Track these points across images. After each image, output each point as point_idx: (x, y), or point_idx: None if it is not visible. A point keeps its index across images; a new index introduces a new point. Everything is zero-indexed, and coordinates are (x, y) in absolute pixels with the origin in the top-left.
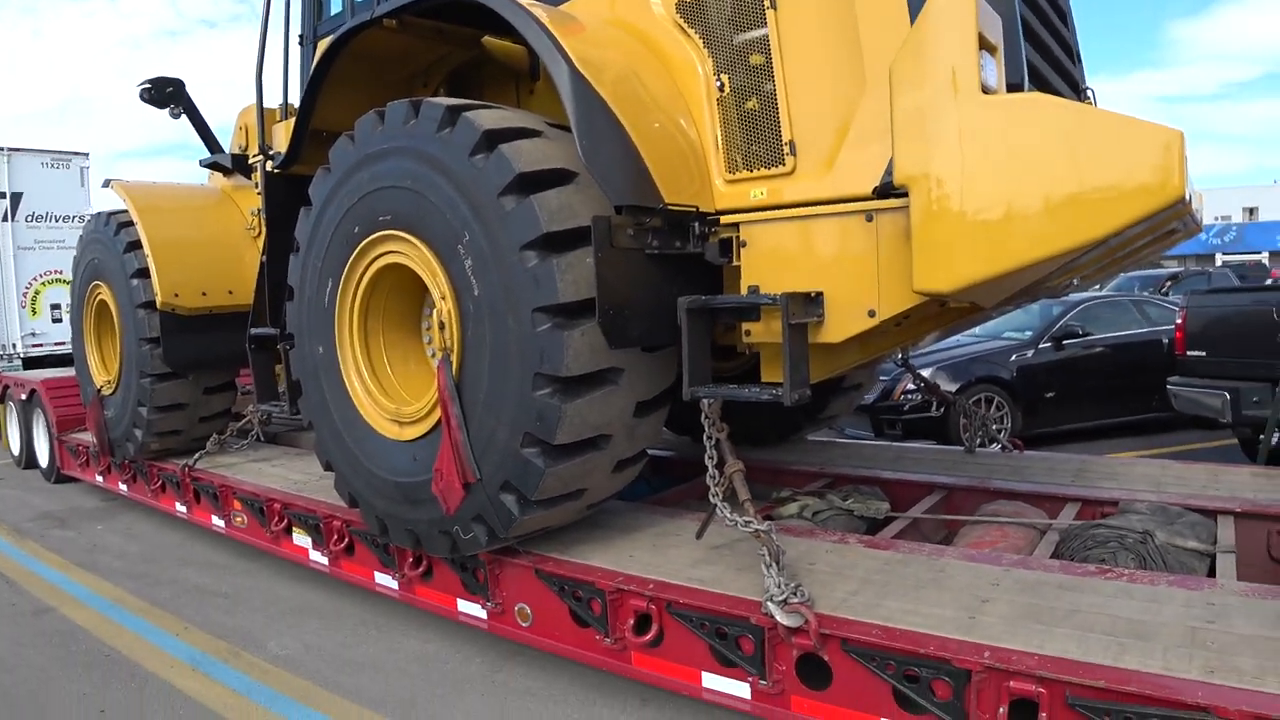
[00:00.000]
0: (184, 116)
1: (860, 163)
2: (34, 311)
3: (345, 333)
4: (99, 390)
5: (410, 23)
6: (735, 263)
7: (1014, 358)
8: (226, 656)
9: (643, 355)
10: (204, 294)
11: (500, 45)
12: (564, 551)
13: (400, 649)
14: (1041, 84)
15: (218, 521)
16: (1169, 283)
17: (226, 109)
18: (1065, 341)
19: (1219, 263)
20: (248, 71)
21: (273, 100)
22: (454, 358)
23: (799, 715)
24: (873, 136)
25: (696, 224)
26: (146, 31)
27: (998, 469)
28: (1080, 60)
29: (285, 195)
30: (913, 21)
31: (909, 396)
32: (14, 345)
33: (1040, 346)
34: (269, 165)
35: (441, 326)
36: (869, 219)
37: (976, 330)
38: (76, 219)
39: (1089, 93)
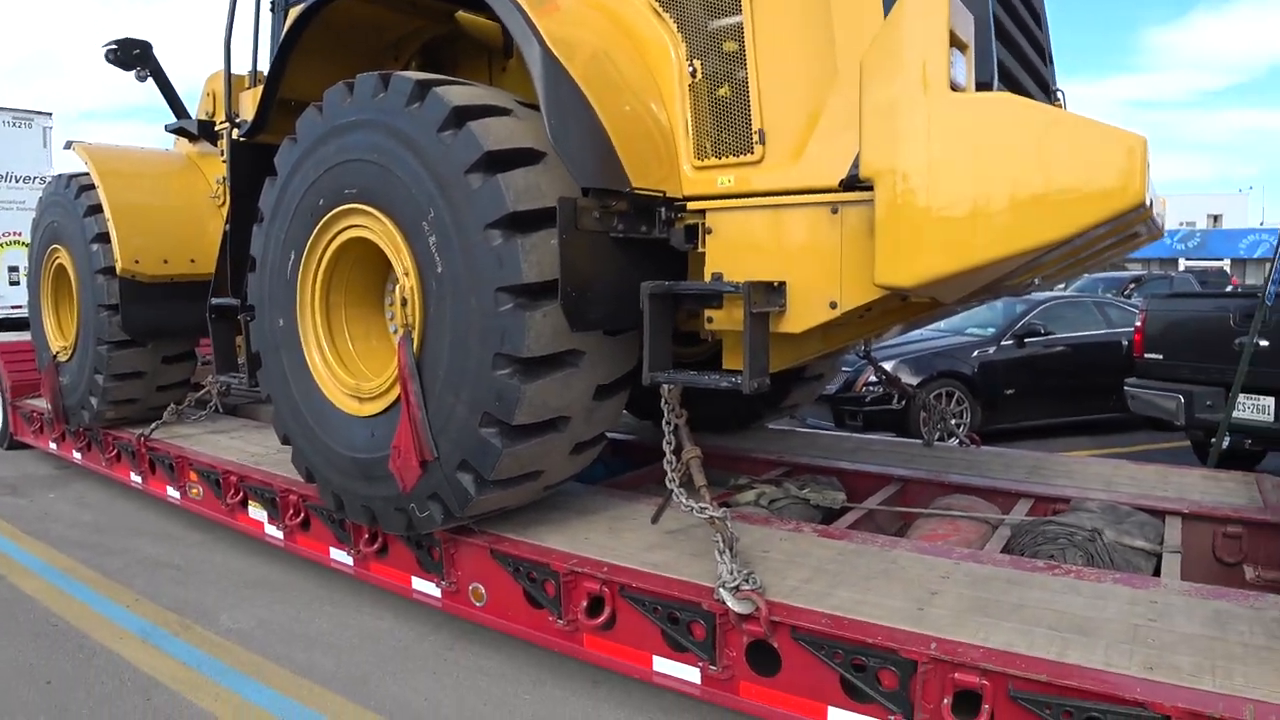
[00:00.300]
0: (150, 80)
1: (828, 155)
2: None
3: (307, 306)
4: (55, 356)
5: None
6: (700, 249)
7: (976, 354)
8: (177, 629)
9: (604, 339)
10: (165, 261)
11: (474, 21)
12: (520, 532)
13: (353, 625)
14: (1012, 84)
15: (173, 492)
16: (1133, 285)
17: (197, 73)
18: (1027, 340)
19: (1182, 268)
20: (217, 36)
21: (241, 67)
22: (415, 335)
23: (748, 701)
24: (841, 129)
25: (663, 209)
26: None
27: (954, 463)
28: (1052, 62)
29: (251, 164)
30: (886, 15)
31: (871, 389)
32: None
33: (1002, 343)
34: (235, 133)
35: (404, 303)
36: (834, 211)
37: (940, 325)
38: (37, 180)
39: (1059, 94)
